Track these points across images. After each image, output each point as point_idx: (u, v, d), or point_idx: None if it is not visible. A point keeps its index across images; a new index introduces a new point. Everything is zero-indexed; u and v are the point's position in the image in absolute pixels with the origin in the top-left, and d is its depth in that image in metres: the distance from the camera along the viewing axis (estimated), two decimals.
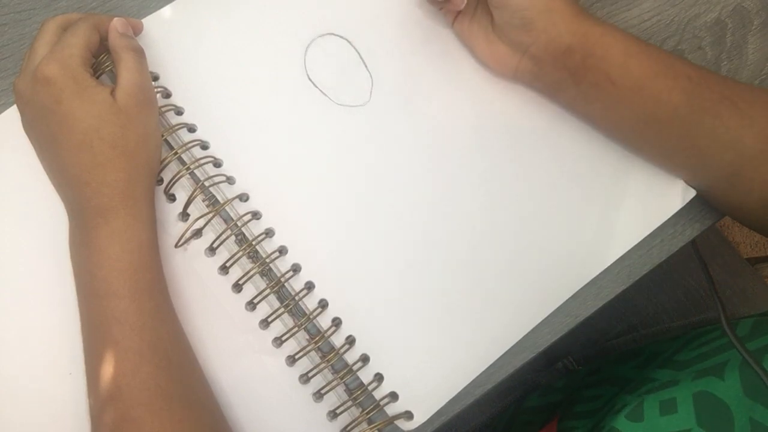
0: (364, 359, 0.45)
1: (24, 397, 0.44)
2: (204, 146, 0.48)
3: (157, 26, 0.50)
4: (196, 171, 0.46)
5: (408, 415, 0.45)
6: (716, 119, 0.43)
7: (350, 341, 0.45)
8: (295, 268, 0.46)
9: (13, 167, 0.47)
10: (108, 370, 0.39)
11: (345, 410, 0.44)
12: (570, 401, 0.62)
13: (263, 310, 0.46)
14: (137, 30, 0.48)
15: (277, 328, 0.46)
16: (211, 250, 0.46)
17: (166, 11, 0.50)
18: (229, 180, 0.47)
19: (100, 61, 0.46)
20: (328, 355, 0.45)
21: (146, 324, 0.40)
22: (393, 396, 0.45)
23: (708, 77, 0.44)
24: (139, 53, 0.45)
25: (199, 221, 0.46)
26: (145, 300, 0.41)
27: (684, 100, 0.44)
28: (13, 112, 0.47)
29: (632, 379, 0.53)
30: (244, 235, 0.46)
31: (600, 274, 0.48)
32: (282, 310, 0.45)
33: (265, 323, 0.46)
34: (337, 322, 0.46)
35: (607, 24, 0.45)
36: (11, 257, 0.46)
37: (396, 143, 0.49)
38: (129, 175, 0.42)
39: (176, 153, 0.46)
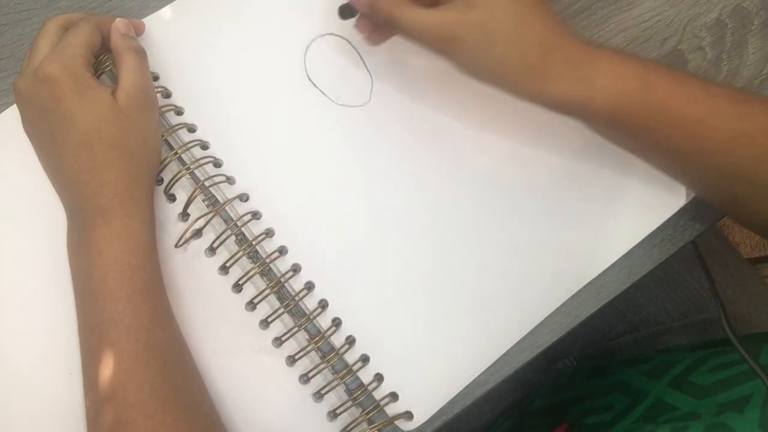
0: (364, 359, 0.45)
1: (24, 397, 0.44)
2: (204, 146, 0.48)
3: (157, 26, 0.50)
4: (196, 171, 0.46)
5: (408, 416, 0.45)
6: (727, 159, 0.41)
7: (350, 341, 0.45)
8: (295, 268, 0.46)
9: (12, 167, 0.47)
10: (103, 371, 0.39)
11: (345, 410, 0.44)
12: (580, 412, 0.62)
13: (263, 310, 0.46)
14: (139, 30, 0.48)
15: (277, 328, 0.46)
16: (211, 250, 0.46)
17: (166, 11, 0.50)
18: (229, 180, 0.47)
19: (101, 61, 0.46)
20: (328, 356, 0.45)
21: (143, 326, 0.40)
22: (393, 396, 0.45)
23: (724, 112, 0.41)
24: (141, 54, 0.45)
25: (199, 221, 0.46)
26: (142, 301, 0.41)
27: (688, 144, 0.42)
28: (12, 112, 0.47)
29: (646, 392, 0.52)
30: (244, 235, 0.46)
31: (600, 273, 0.48)
32: (282, 310, 0.45)
33: (265, 323, 0.46)
34: (337, 323, 0.46)
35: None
36: (10, 258, 0.46)
37: (396, 143, 0.49)
38: (128, 175, 0.42)
39: (176, 153, 0.46)
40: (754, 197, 0.42)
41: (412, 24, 0.41)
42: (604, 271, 0.48)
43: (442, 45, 0.41)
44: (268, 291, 0.45)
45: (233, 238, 0.47)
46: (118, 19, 0.46)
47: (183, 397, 0.41)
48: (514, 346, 0.47)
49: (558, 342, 0.48)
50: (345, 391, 0.45)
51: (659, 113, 0.41)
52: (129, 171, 0.42)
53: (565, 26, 0.41)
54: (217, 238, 0.46)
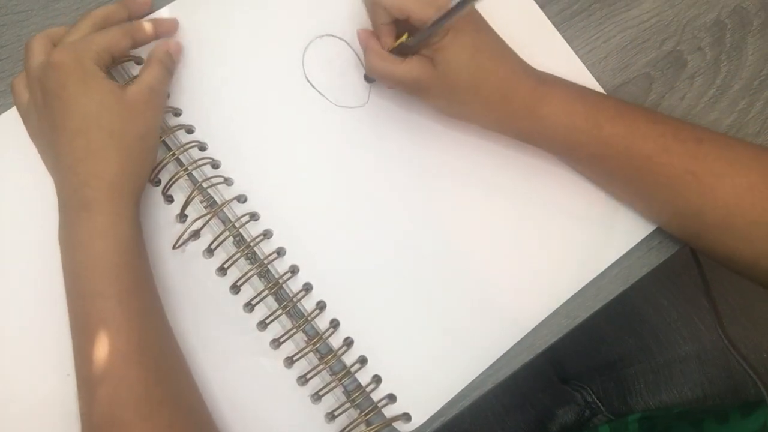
0: (362, 361, 0.45)
1: (22, 398, 0.44)
2: (202, 147, 0.48)
3: None
4: (194, 172, 0.46)
5: (406, 417, 0.45)
6: (676, 195, 0.44)
7: (348, 343, 0.45)
8: (293, 270, 0.46)
9: (11, 169, 0.47)
10: (96, 372, 0.39)
11: (343, 412, 0.44)
12: None
13: (261, 311, 0.46)
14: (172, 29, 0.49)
15: (275, 329, 0.46)
16: (209, 251, 0.46)
17: (164, 12, 0.50)
18: (227, 181, 0.47)
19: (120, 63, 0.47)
20: (326, 357, 0.45)
21: (133, 325, 0.40)
22: (391, 398, 0.45)
23: (672, 151, 0.44)
24: (170, 73, 0.46)
25: (197, 222, 0.46)
26: (132, 300, 0.40)
27: (637, 178, 0.45)
28: (11, 114, 0.47)
29: None
30: (242, 236, 0.46)
31: (598, 275, 0.48)
32: (280, 311, 0.45)
33: (263, 325, 0.45)
34: (335, 324, 0.46)
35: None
36: (10, 258, 0.46)
37: (395, 144, 0.49)
38: (120, 168, 0.42)
39: (174, 154, 0.46)
40: (706, 233, 0.45)
41: (391, 76, 0.46)
42: (602, 273, 0.48)
43: (416, 93, 0.47)
44: (266, 292, 0.45)
45: (231, 239, 0.46)
46: (176, 41, 0.47)
47: (177, 398, 0.41)
48: (512, 347, 0.47)
49: (560, 347, 0.48)
50: (343, 392, 0.45)
51: (606, 148, 0.45)
52: (121, 164, 0.42)
53: (523, 71, 0.46)
54: (215, 239, 0.46)
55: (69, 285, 0.42)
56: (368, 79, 0.50)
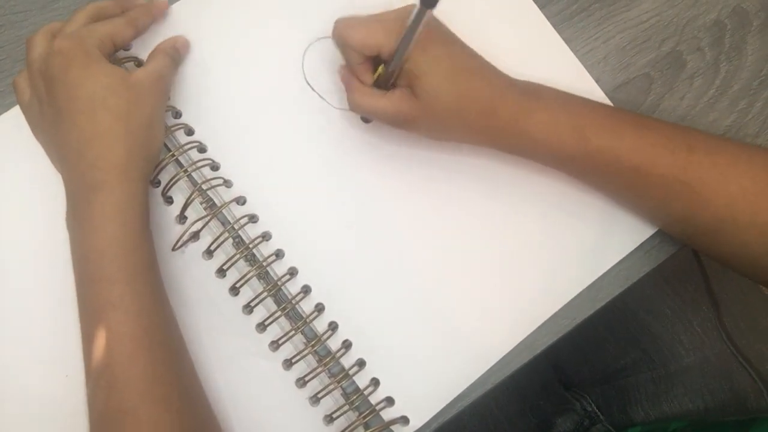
0: (361, 364, 0.45)
1: (20, 400, 0.44)
2: (201, 149, 0.48)
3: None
4: (193, 174, 0.46)
5: (404, 420, 0.45)
6: (666, 204, 0.44)
7: (347, 345, 0.45)
8: (292, 272, 0.46)
9: (12, 169, 0.47)
10: (105, 356, 0.38)
11: (341, 414, 0.44)
12: None
13: (260, 313, 0.46)
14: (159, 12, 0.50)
15: (274, 331, 0.46)
16: (209, 252, 0.46)
17: None
18: (227, 183, 0.47)
19: (119, 59, 0.47)
20: (324, 359, 0.45)
21: (143, 309, 0.40)
22: (389, 401, 0.45)
23: (662, 162, 0.43)
24: (176, 65, 0.47)
25: (196, 224, 0.46)
26: (141, 284, 0.40)
27: (627, 189, 0.45)
28: (12, 114, 0.47)
29: None
30: (241, 238, 0.46)
31: (597, 277, 0.48)
32: (279, 313, 0.45)
33: (261, 327, 0.46)
34: (333, 326, 0.46)
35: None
36: (10, 258, 0.46)
37: (395, 146, 0.49)
38: (127, 150, 0.41)
39: (173, 155, 0.46)
40: (699, 237, 0.45)
41: (373, 110, 0.45)
42: (601, 275, 0.48)
43: (400, 124, 0.46)
44: (264, 294, 0.45)
45: (230, 240, 0.46)
46: (181, 36, 0.48)
47: (184, 384, 0.41)
48: (511, 348, 0.47)
49: (558, 344, 0.48)
50: (341, 395, 0.45)
51: (594, 161, 0.44)
52: (128, 146, 0.41)
53: (504, 85, 0.45)
54: (215, 240, 0.46)
55: (77, 270, 0.42)
56: (364, 119, 0.50)
